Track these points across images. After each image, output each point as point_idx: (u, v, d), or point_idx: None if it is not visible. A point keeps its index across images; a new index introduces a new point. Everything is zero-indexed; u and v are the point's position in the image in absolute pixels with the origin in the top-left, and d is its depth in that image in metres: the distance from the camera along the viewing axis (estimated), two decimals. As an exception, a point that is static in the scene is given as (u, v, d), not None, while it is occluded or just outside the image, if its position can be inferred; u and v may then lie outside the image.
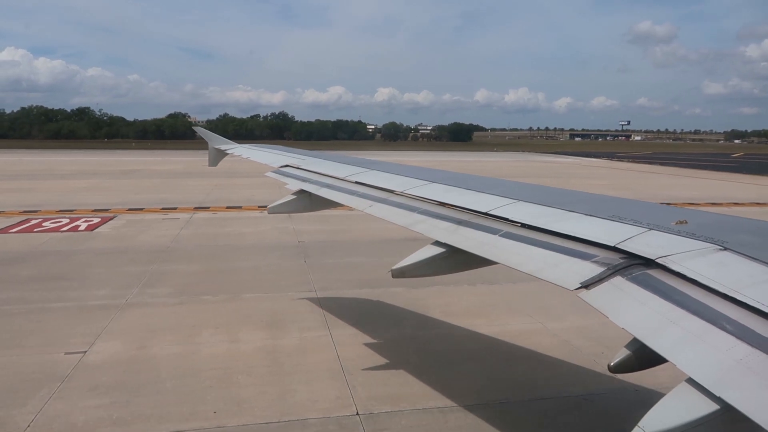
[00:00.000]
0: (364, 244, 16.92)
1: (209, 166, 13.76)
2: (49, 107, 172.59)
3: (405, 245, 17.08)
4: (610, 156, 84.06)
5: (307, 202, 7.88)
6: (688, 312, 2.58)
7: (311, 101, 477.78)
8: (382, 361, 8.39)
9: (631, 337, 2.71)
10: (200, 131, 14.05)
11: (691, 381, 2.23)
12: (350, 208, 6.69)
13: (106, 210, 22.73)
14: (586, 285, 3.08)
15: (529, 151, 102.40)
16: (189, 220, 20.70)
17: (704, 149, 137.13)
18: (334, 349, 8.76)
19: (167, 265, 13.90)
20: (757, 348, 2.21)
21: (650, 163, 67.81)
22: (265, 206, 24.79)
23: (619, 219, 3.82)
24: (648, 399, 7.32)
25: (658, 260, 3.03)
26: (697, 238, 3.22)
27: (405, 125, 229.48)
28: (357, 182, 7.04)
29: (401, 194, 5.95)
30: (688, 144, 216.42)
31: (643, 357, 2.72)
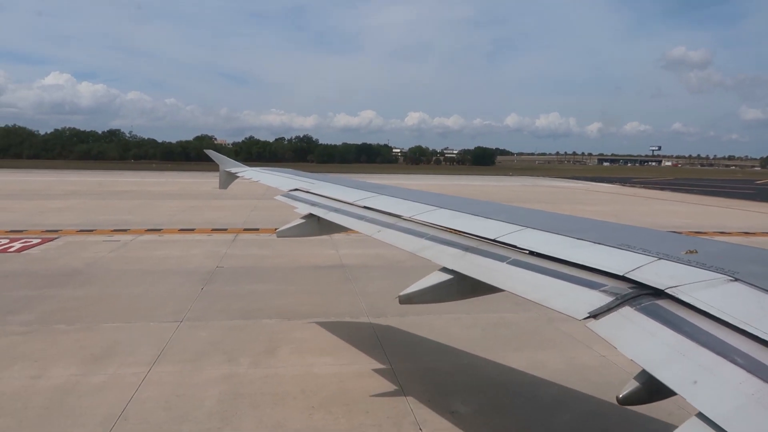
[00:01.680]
0: (288, 270, 16.21)
1: (220, 188, 13.61)
2: (83, 129, 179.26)
3: (334, 272, 16.38)
4: (623, 181, 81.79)
5: (316, 226, 7.76)
6: (698, 344, 2.52)
7: (342, 125, 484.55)
8: (179, 406, 7.58)
9: (640, 369, 2.64)
10: (212, 154, 13.96)
11: (701, 415, 2.16)
12: (355, 231, 6.54)
13: (56, 231, 22.60)
14: (595, 315, 3.03)
15: (546, 176, 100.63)
16: (127, 243, 20.34)
17: (732, 175, 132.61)
18: (135, 389, 8.01)
19: (56, 290, 13.41)
20: None
21: (661, 189, 65.48)
22: (222, 229, 24.70)
23: (629, 247, 3.74)
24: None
25: (667, 290, 2.98)
26: (708, 269, 3.13)
27: (431, 149, 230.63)
28: (365, 207, 6.87)
29: (409, 219, 5.85)
30: (718, 170, 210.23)
31: (652, 389, 2.64)
